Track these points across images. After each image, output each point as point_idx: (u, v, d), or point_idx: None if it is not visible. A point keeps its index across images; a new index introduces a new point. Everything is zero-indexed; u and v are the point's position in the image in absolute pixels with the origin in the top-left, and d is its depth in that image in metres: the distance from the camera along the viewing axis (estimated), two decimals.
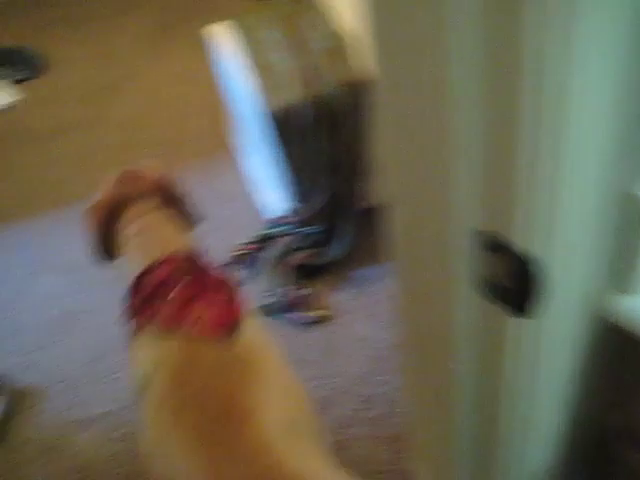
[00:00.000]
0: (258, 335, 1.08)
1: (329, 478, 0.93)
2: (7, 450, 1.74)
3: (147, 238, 1.18)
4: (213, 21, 3.37)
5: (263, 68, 1.96)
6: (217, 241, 2.12)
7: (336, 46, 1.95)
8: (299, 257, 1.97)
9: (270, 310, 1.88)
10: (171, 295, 1.05)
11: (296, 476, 0.88)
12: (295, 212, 2.00)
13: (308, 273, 1.96)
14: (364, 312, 1.91)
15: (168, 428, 0.97)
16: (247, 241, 2.05)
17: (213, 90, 2.62)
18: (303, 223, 1.97)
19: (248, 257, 2.00)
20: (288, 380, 1.07)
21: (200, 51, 3.13)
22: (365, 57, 1.89)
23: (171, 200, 1.25)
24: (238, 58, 2.06)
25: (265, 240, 2.03)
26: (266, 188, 2.16)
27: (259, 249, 2.01)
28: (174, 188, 1.27)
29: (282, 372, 1.07)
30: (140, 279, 1.10)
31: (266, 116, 1.84)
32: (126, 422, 1.74)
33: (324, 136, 1.85)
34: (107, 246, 1.23)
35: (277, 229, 2.02)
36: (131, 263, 1.15)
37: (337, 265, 1.99)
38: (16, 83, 3.24)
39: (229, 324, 1.03)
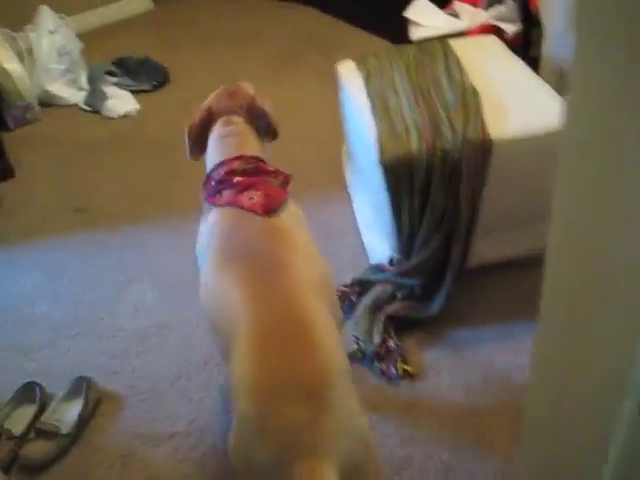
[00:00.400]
0: (293, 217, 1.41)
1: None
2: (81, 452, 1.77)
3: (228, 141, 1.53)
4: (342, 56, 3.43)
5: (386, 113, 1.96)
6: None
7: (465, 101, 1.93)
8: (393, 308, 1.93)
9: (356, 356, 1.85)
10: (235, 179, 1.42)
11: (319, 330, 1.12)
12: (398, 261, 1.97)
13: (400, 325, 1.92)
14: (451, 375, 1.85)
15: (222, 270, 1.28)
16: (346, 283, 2.04)
17: (333, 124, 2.64)
18: (403, 274, 1.93)
19: (345, 299, 1.98)
20: (314, 254, 1.36)
21: (324, 84, 3.19)
22: (495, 116, 1.86)
23: (256, 116, 1.59)
24: (362, 99, 2.07)
25: (364, 284, 2.01)
26: (373, 231, 2.14)
27: (357, 292, 1.99)
28: (261, 107, 1.61)
29: (309, 247, 1.37)
30: (216, 168, 1.48)
31: (382, 162, 1.83)
32: (203, 445, 1.72)
33: (439, 191, 1.82)
34: (199, 145, 1.59)
35: (377, 275, 2.00)
36: (211, 157, 1.53)
37: (431, 322, 1.95)
38: (138, 93, 3.38)
39: (272, 205, 1.37)
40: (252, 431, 1.04)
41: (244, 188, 1.40)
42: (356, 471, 1.07)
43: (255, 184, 1.41)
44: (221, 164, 1.47)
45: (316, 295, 1.21)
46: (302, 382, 1.05)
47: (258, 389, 1.06)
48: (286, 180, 1.50)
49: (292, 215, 1.42)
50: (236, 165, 1.45)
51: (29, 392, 1.86)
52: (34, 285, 2.31)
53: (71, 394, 1.84)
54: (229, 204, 1.39)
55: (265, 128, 1.62)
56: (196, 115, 1.59)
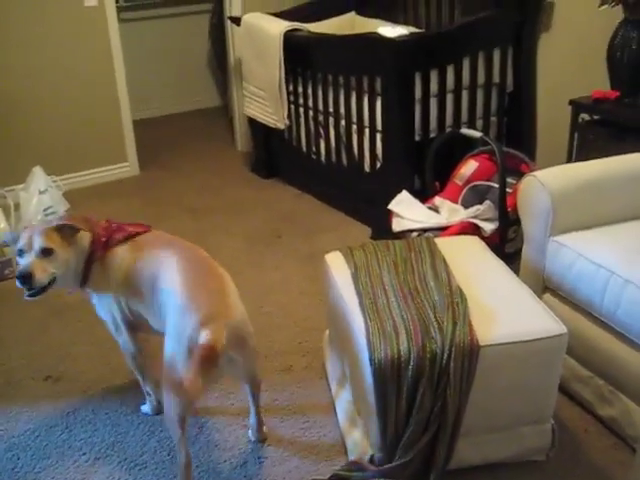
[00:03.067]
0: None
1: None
2: None
3: None
4: (322, 238, 3.53)
5: (375, 312, 1.98)
6: (291, 470, 2.06)
7: (452, 303, 1.98)
8: None
9: None
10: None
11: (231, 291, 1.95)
12: (379, 460, 1.92)
13: None
14: None
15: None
16: (322, 478, 1.97)
17: (312, 307, 2.68)
18: (386, 474, 1.88)
19: None
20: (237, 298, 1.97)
21: (303, 266, 3.26)
22: (481, 320, 1.90)
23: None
24: (350, 294, 2.10)
25: None
26: (355, 427, 2.10)
27: None
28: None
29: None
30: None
31: (372, 362, 1.83)
32: None
33: (427, 392, 1.82)
34: None
35: (356, 474, 1.93)
36: None
37: None
38: None
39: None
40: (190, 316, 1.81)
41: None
42: (241, 341, 1.88)
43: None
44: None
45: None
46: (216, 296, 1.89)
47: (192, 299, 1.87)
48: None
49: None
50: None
51: None
52: None
53: None
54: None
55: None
56: None
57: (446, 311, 1.94)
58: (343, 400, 2.25)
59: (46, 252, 1.98)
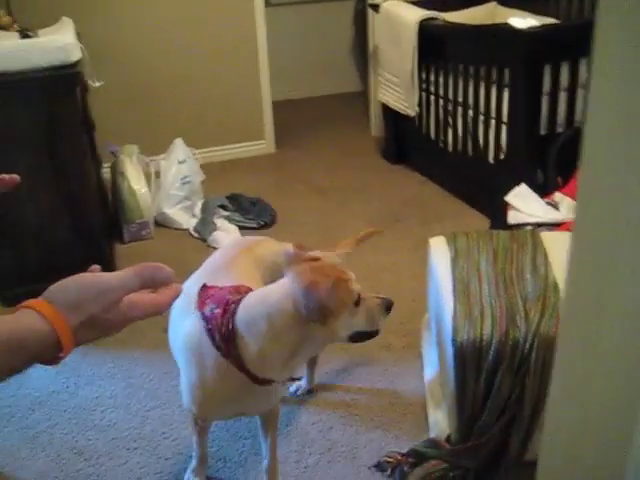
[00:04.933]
0: None
1: None
2: None
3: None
4: (438, 226, 3.56)
5: (466, 296, 2.03)
6: (373, 440, 2.16)
7: (545, 296, 1.98)
8: None
9: None
10: None
11: None
12: (455, 441, 1.98)
13: None
14: None
15: None
16: (400, 451, 2.05)
17: (418, 292, 2.74)
18: (459, 454, 1.93)
19: (395, 467, 1.99)
20: None
21: (417, 252, 3.32)
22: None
23: None
24: (446, 277, 2.16)
25: (416, 456, 2.01)
26: (438, 406, 2.16)
27: (408, 464, 2.00)
28: None
29: None
30: None
31: (454, 342, 1.89)
32: None
33: (506, 379, 1.85)
34: None
35: (431, 450, 2.00)
36: None
37: None
38: (244, 229, 3.62)
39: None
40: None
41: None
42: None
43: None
44: None
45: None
46: None
47: None
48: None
49: None
50: None
51: None
52: (112, 393, 2.45)
53: None
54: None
55: None
56: None
57: (536, 302, 1.95)
58: (433, 382, 2.31)
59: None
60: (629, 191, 0.69)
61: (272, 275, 1.79)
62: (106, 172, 3.80)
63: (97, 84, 3.32)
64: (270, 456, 1.93)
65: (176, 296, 0.94)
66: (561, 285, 2.04)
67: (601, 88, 0.70)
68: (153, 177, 3.78)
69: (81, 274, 0.87)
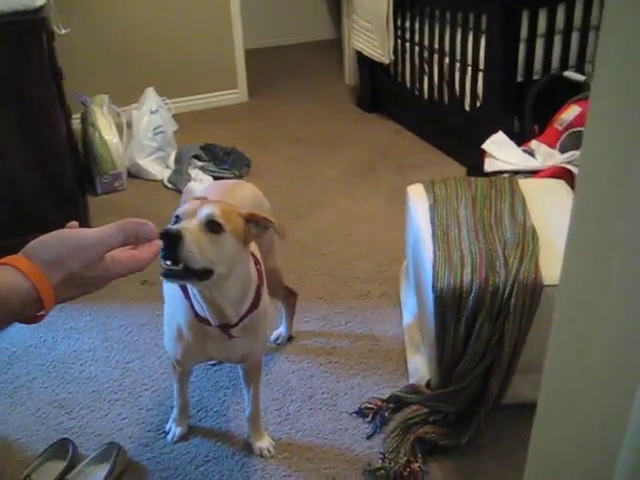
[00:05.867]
0: None
1: None
2: None
3: None
4: (415, 174, 3.55)
5: (445, 243, 2.03)
6: (353, 386, 2.18)
7: (523, 241, 1.99)
8: (424, 430, 1.95)
9: (379, 474, 1.86)
10: None
11: None
12: (435, 386, 2.00)
13: (427, 449, 1.93)
14: None
15: None
16: (381, 397, 2.07)
17: (396, 240, 2.74)
18: (438, 399, 1.96)
19: (376, 413, 2.02)
20: None
21: (393, 201, 3.31)
22: (549, 261, 1.92)
23: None
24: (425, 225, 2.15)
25: (397, 402, 2.03)
26: (417, 352, 2.19)
27: (388, 409, 2.02)
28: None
29: None
30: None
31: (434, 289, 1.90)
32: None
33: (485, 325, 1.87)
34: None
35: (413, 396, 2.03)
36: None
37: (458, 451, 1.95)
38: (219, 179, 3.57)
39: None
40: None
41: None
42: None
43: None
44: None
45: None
46: None
47: None
48: None
49: None
50: None
51: (61, 448, 1.93)
52: (90, 346, 2.43)
53: (100, 458, 1.90)
54: None
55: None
56: None
57: (515, 248, 1.96)
58: (411, 328, 2.33)
59: (213, 226, 1.38)
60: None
61: None
62: (76, 123, 3.70)
63: (63, 31, 3.21)
64: (252, 405, 1.94)
65: (157, 252, 0.92)
66: (539, 231, 2.05)
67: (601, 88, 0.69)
68: (125, 127, 3.70)
69: (61, 230, 0.85)
